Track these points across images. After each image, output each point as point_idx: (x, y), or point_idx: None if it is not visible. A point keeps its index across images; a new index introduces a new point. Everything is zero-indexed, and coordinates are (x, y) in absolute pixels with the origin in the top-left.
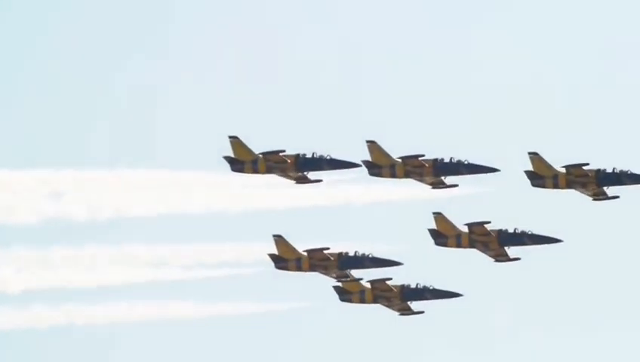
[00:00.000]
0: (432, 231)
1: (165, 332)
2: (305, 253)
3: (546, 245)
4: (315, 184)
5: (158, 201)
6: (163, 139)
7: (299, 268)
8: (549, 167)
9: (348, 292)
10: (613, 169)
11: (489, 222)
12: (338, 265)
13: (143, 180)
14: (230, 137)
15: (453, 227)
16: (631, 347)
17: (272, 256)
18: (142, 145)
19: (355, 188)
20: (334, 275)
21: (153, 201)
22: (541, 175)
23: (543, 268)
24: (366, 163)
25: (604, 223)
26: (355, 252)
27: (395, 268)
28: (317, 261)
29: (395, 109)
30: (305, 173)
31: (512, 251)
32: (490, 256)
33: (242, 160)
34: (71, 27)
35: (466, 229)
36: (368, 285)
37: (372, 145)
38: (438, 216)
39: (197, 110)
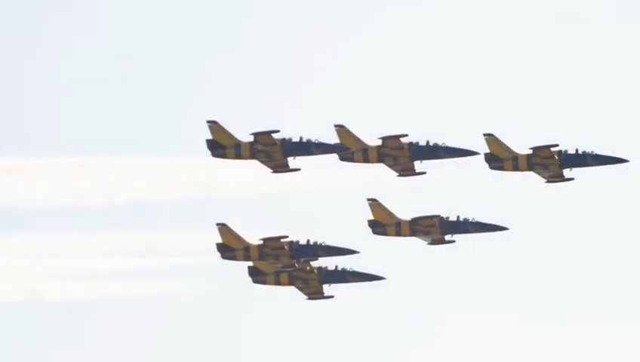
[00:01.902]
0: (370, 222)
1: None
2: (253, 242)
3: (490, 233)
4: (292, 173)
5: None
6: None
7: (247, 258)
8: (507, 148)
9: (262, 274)
10: (576, 150)
11: (437, 216)
12: (290, 254)
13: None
14: (209, 122)
15: (391, 214)
16: (575, 328)
17: (219, 246)
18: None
19: (321, 173)
20: (280, 265)
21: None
22: (500, 157)
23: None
24: (338, 147)
25: (553, 207)
26: (308, 240)
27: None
28: (270, 250)
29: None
30: (293, 157)
31: (455, 237)
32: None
33: (224, 145)
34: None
35: (405, 217)
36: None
37: (341, 129)
38: (374, 203)
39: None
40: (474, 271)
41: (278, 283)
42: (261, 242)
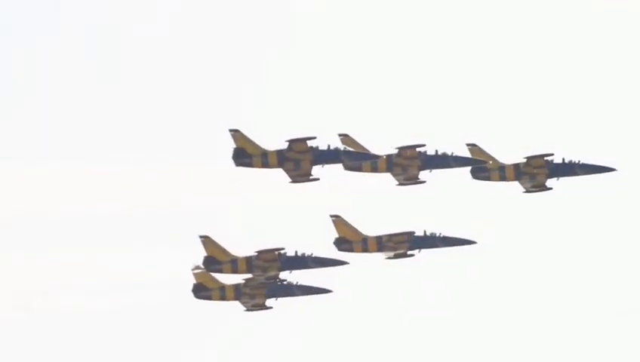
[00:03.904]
0: (336, 239)
1: None
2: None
3: (459, 246)
4: (311, 183)
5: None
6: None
7: (234, 271)
8: (492, 158)
9: (206, 289)
10: (563, 159)
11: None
12: (279, 266)
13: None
14: (231, 130)
15: (356, 231)
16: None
17: (205, 259)
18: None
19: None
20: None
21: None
22: (486, 167)
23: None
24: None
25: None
26: (296, 251)
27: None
28: (262, 262)
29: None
30: (321, 165)
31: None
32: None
33: (250, 153)
34: None
35: (370, 233)
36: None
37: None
38: (337, 220)
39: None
40: (429, 284)
41: (223, 298)
42: (255, 254)
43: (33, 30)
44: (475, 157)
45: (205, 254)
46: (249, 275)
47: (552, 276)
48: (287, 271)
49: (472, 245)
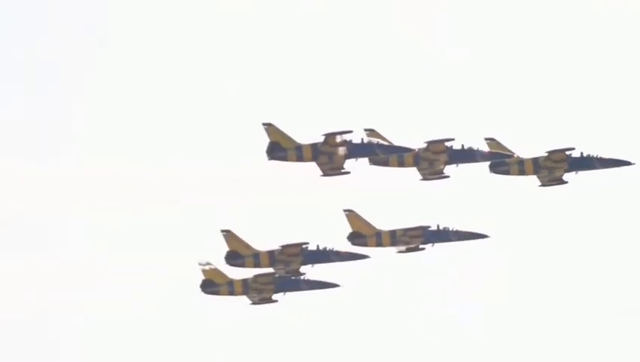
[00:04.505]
0: (350, 234)
1: None
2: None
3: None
4: (342, 176)
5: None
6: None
7: (256, 265)
8: (511, 152)
9: (215, 285)
10: (581, 153)
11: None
12: (301, 260)
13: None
14: (264, 124)
15: (369, 226)
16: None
17: (228, 253)
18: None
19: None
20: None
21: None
22: (505, 161)
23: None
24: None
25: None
26: (317, 246)
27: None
28: (285, 256)
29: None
30: (355, 159)
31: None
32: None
33: (285, 147)
34: None
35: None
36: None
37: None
38: (350, 214)
39: None
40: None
41: (231, 293)
42: (279, 248)
43: (32, 26)
44: (500, 151)
45: (228, 249)
46: (270, 269)
47: (562, 272)
48: (310, 265)
49: (484, 239)
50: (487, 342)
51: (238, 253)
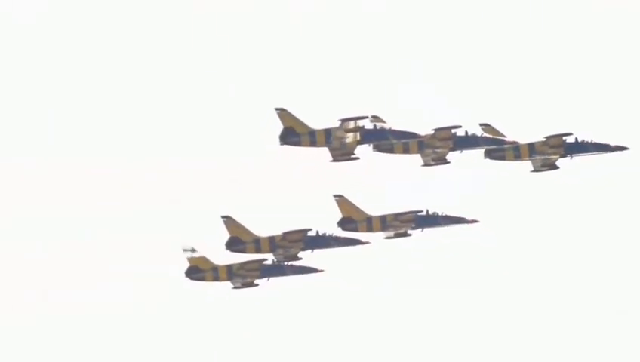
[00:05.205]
0: (341, 219)
1: None
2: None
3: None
4: (351, 162)
5: None
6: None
7: (257, 251)
8: (505, 137)
9: (200, 271)
10: (576, 139)
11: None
12: (302, 246)
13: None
14: (277, 109)
15: (359, 211)
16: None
17: (230, 240)
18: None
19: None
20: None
21: None
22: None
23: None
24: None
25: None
26: (317, 231)
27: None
28: (287, 242)
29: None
30: (369, 144)
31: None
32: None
33: (299, 132)
34: None
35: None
36: None
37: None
38: (340, 199)
39: None
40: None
41: (216, 278)
42: (280, 234)
43: (32, 26)
44: (503, 138)
45: (229, 235)
46: (270, 255)
47: (551, 259)
48: (309, 251)
49: (474, 224)
50: (475, 328)
51: (239, 239)
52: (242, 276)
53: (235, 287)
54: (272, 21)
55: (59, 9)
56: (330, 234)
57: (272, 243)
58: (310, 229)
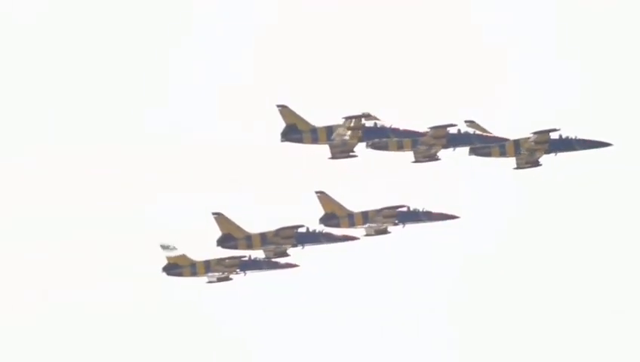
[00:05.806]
0: (323, 216)
1: None
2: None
3: (442, 221)
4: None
5: None
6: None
7: (249, 247)
8: (490, 133)
9: (178, 267)
10: (560, 135)
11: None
12: (293, 243)
13: None
14: (279, 106)
15: (341, 207)
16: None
17: (222, 237)
18: None
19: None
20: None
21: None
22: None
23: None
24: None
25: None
26: (307, 228)
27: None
28: (280, 239)
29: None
30: (368, 142)
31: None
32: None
33: (301, 130)
34: None
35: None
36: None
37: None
38: (322, 196)
39: None
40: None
41: (194, 274)
42: (274, 231)
43: (33, 25)
44: (494, 136)
45: (220, 232)
46: (260, 251)
47: (534, 255)
48: (300, 247)
49: (454, 220)
50: (456, 325)
51: (231, 236)
52: (221, 271)
53: (209, 282)
54: (275, 20)
55: (59, 9)
56: (321, 230)
57: (264, 239)
58: (302, 226)
